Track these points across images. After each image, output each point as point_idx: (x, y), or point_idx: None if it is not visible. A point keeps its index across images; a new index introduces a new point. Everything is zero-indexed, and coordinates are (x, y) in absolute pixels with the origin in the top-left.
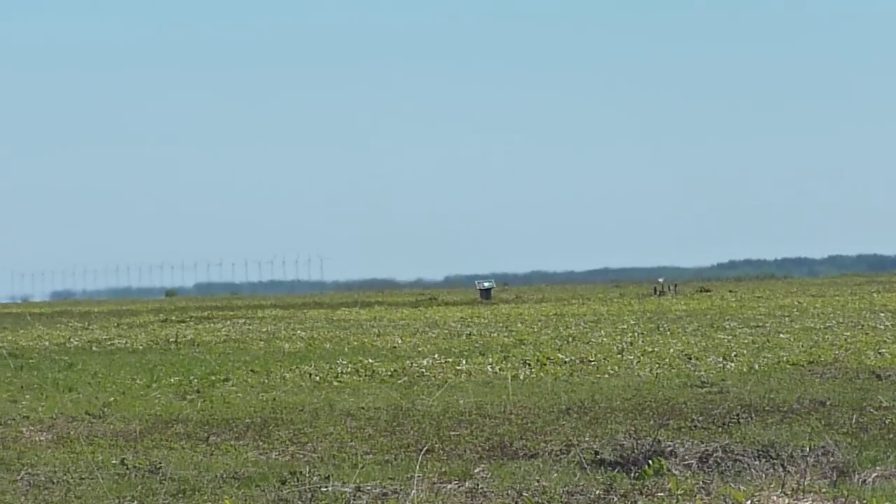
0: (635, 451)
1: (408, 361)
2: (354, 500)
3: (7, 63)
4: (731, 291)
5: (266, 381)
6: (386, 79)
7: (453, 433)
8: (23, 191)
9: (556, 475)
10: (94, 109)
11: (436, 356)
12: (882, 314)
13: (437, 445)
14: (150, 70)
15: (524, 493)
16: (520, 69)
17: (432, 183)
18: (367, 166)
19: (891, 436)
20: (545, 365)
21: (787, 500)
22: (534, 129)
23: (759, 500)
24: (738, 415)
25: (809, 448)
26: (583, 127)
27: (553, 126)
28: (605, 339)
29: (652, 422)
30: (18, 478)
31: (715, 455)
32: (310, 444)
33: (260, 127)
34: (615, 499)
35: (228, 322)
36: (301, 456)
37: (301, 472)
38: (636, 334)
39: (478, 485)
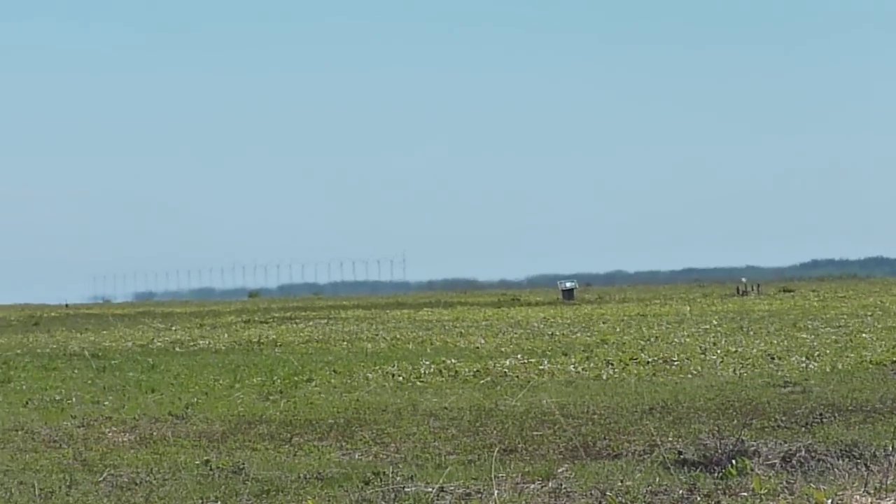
0: (718, 450)
1: (490, 362)
2: (437, 500)
3: (82, 68)
4: (813, 291)
5: (349, 381)
6: (465, 76)
7: (536, 433)
8: (104, 193)
9: (639, 475)
10: (175, 111)
11: (518, 356)
12: None
13: (519, 445)
14: (226, 73)
15: (607, 493)
16: (594, 68)
17: (515, 183)
18: (450, 167)
19: None
20: (628, 365)
21: (869, 500)
22: (617, 130)
23: (841, 500)
24: (820, 414)
25: (892, 447)
26: (666, 127)
27: (636, 125)
28: (687, 340)
29: (735, 421)
30: (101, 479)
31: (798, 455)
32: (393, 445)
33: (342, 127)
34: (698, 498)
35: (311, 322)
36: (384, 456)
37: (384, 472)
38: (719, 334)
39: (561, 485)
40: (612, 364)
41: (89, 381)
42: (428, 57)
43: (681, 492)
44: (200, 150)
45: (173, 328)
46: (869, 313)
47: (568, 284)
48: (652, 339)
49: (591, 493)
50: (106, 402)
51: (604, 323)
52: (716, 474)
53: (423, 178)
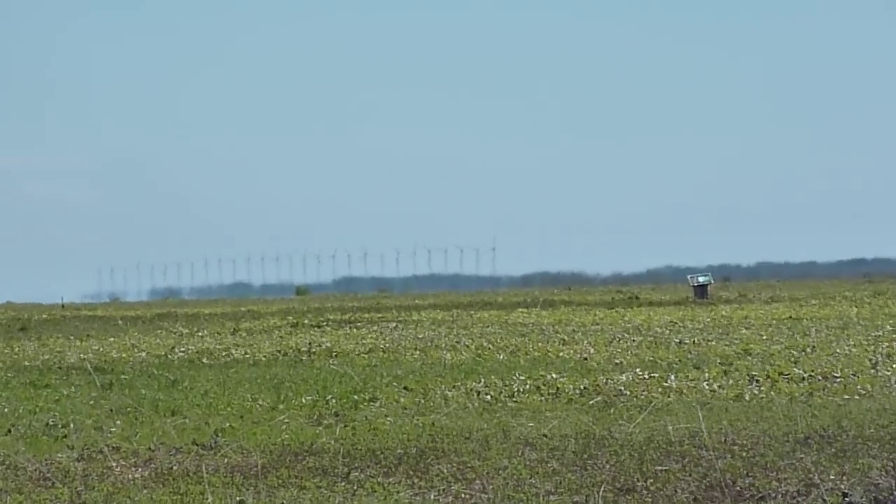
0: (894, 492)
1: (602, 377)
2: None
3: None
4: None
5: (423, 401)
6: (559, 53)
7: (660, 468)
8: (112, 165)
9: None
10: (209, 78)
11: (637, 370)
12: None
13: (638, 483)
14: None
15: None
16: (720, 43)
17: (630, 155)
18: (548, 138)
19: None
20: (777, 382)
21: None
22: (769, 95)
23: None
24: None
25: None
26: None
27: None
28: (854, 350)
29: None
30: None
31: None
32: (478, 482)
33: (414, 101)
34: None
35: (375, 327)
36: (467, 496)
37: None
38: (895, 344)
39: None
40: (758, 381)
41: (91, 402)
42: (510, 37)
43: None
44: (236, 119)
45: (200, 334)
46: None
47: (701, 279)
48: (808, 350)
49: None
50: (113, 429)
51: (746, 328)
52: None
53: (512, 151)
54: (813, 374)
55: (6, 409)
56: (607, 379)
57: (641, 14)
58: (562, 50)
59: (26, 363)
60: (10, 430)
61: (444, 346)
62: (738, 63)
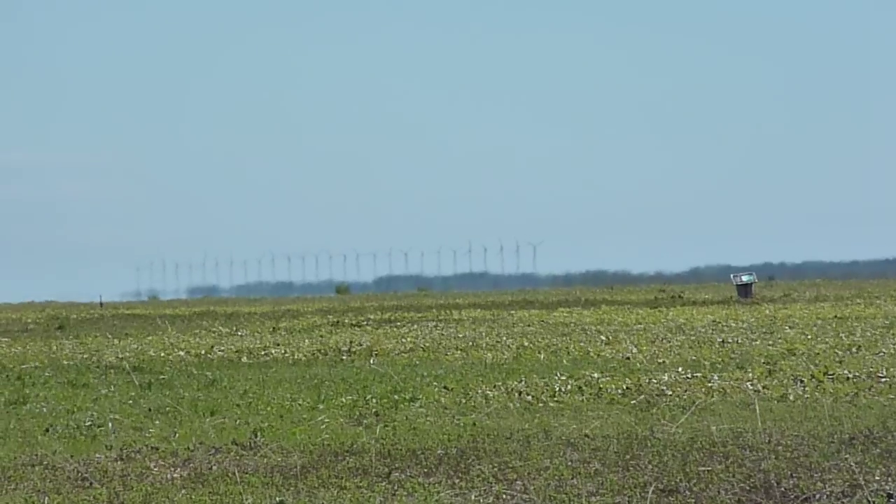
0: None
1: (645, 376)
2: None
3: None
4: None
5: (464, 400)
6: (604, 57)
7: (703, 469)
8: (150, 162)
9: None
10: (248, 93)
11: (680, 370)
12: None
13: (682, 484)
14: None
15: None
16: (741, 44)
17: (673, 151)
18: (591, 136)
19: None
20: (822, 382)
21: None
22: (810, 93)
23: None
24: None
25: None
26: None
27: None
28: None
29: None
30: None
31: None
32: (519, 482)
33: (460, 94)
34: None
35: (416, 326)
36: (508, 497)
37: None
38: None
39: None
40: (802, 381)
41: (130, 402)
42: (556, 38)
43: None
44: (274, 117)
45: (239, 333)
46: None
47: (744, 278)
48: (854, 349)
49: None
50: (151, 429)
51: (791, 328)
52: None
53: (556, 148)
54: (858, 373)
55: (44, 409)
56: (650, 379)
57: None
58: (602, 53)
59: (64, 362)
60: (48, 430)
61: (484, 345)
62: (783, 54)
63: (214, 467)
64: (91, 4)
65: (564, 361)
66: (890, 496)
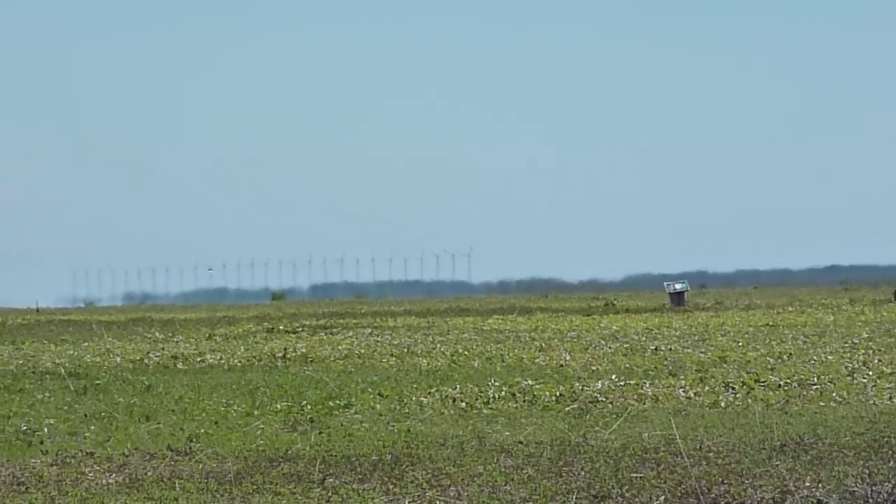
0: (870, 500)
1: (578, 383)
2: None
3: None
4: None
5: (398, 407)
6: (551, 57)
7: (636, 475)
8: (86, 166)
9: None
10: (189, 76)
11: (614, 377)
12: None
13: (614, 490)
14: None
15: None
16: (683, 50)
17: (605, 160)
18: (526, 145)
19: None
20: (753, 389)
21: None
22: (740, 102)
23: None
24: None
25: None
26: (797, 94)
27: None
28: (830, 358)
29: (892, 463)
30: None
31: None
32: (453, 488)
33: (398, 102)
34: None
35: (351, 333)
36: (442, 503)
37: None
38: (871, 351)
39: None
40: (734, 388)
41: (65, 407)
42: (495, 42)
43: None
44: (217, 129)
45: (175, 339)
46: None
47: (677, 286)
48: (784, 357)
49: None
50: (87, 434)
51: (723, 335)
52: None
53: (486, 155)
54: (789, 381)
55: None
56: (583, 386)
57: (620, 19)
58: (541, 57)
59: (0, 368)
60: None
61: (419, 352)
62: (724, 71)
63: (150, 473)
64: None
65: (498, 368)
66: (820, 502)
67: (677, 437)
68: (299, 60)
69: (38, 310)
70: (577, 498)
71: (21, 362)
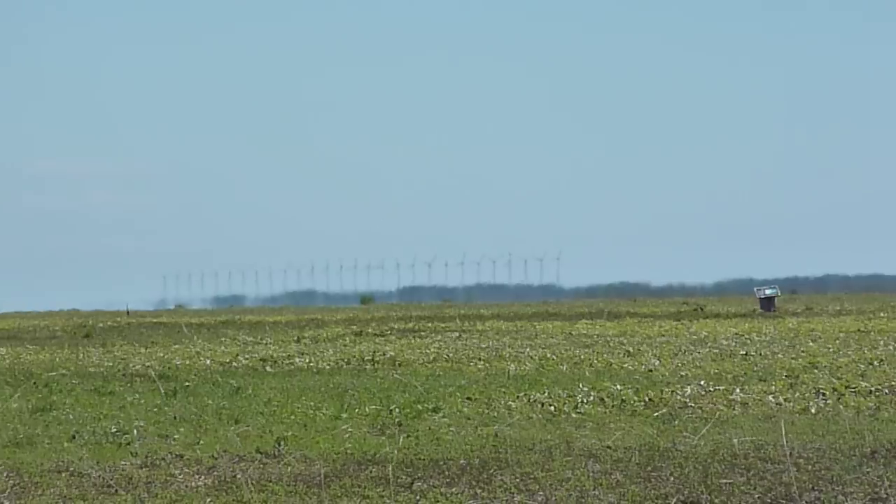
0: None
1: (667, 389)
2: None
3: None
4: None
5: (486, 411)
6: (627, 68)
7: (724, 481)
8: (177, 171)
9: None
10: (272, 87)
11: (703, 382)
12: None
13: (703, 496)
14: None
15: None
16: (776, 56)
17: (695, 168)
18: (618, 149)
19: None
20: (844, 395)
21: None
22: (831, 108)
23: None
24: None
25: None
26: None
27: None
28: None
29: None
30: None
31: None
32: (541, 493)
33: (477, 108)
34: None
35: (439, 336)
36: None
37: None
38: None
39: None
40: (824, 394)
41: (155, 409)
42: (580, 53)
43: None
44: (310, 137)
45: (264, 342)
46: None
47: (767, 291)
48: (875, 363)
49: None
50: (176, 436)
51: (813, 341)
52: None
53: (583, 167)
54: (880, 387)
55: (70, 416)
56: (672, 391)
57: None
58: (627, 62)
59: (91, 370)
60: (74, 437)
61: (507, 356)
62: (801, 69)
63: (239, 475)
64: (121, 15)
65: (587, 373)
66: None
67: (766, 443)
68: (395, 68)
69: (128, 313)
70: (665, 503)
71: (111, 365)
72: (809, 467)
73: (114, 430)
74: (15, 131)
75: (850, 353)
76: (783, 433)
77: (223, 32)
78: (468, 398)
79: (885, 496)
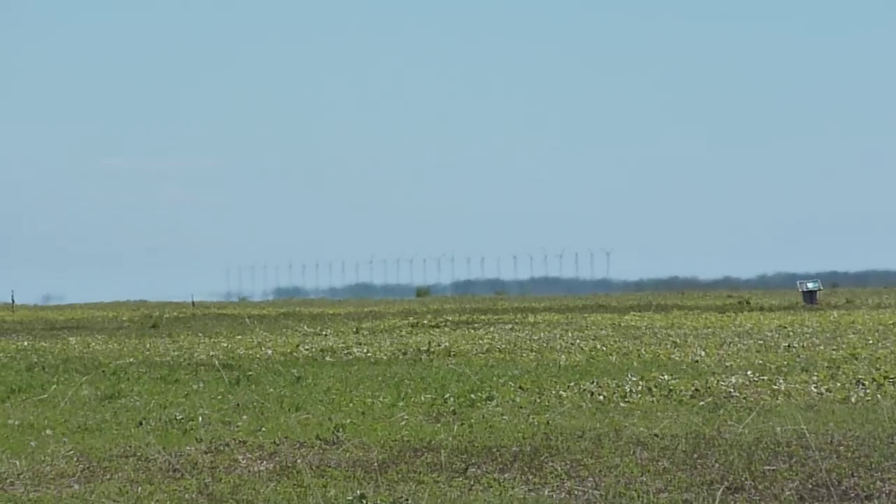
0: None
1: (713, 379)
2: None
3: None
4: None
5: (538, 400)
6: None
7: (768, 468)
8: (239, 168)
9: None
10: (337, 97)
11: (748, 373)
12: None
13: (747, 482)
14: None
15: None
16: (806, 53)
17: (741, 163)
18: (663, 145)
19: None
20: (883, 385)
21: None
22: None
23: None
24: None
25: None
26: None
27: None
28: None
29: None
30: None
31: None
32: (590, 479)
33: (533, 103)
34: None
35: (492, 328)
36: (579, 493)
37: None
38: None
39: None
40: (864, 384)
41: (219, 397)
42: (631, 52)
43: None
44: (365, 127)
45: (324, 333)
46: None
47: (810, 285)
48: None
49: None
50: (239, 423)
51: (854, 333)
52: None
53: (626, 158)
54: None
55: (138, 403)
56: (718, 381)
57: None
58: (670, 52)
59: (157, 359)
60: (141, 423)
61: (558, 347)
62: (845, 66)
63: (300, 461)
64: (188, 14)
65: (635, 364)
66: None
67: (808, 431)
68: (444, 66)
69: (193, 304)
70: (711, 489)
71: (177, 354)
72: (849, 454)
73: (179, 416)
74: (86, 130)
75: (888, 344)
76: (824, 422)
77: (288, 33)
78: (520, 387)
79: None
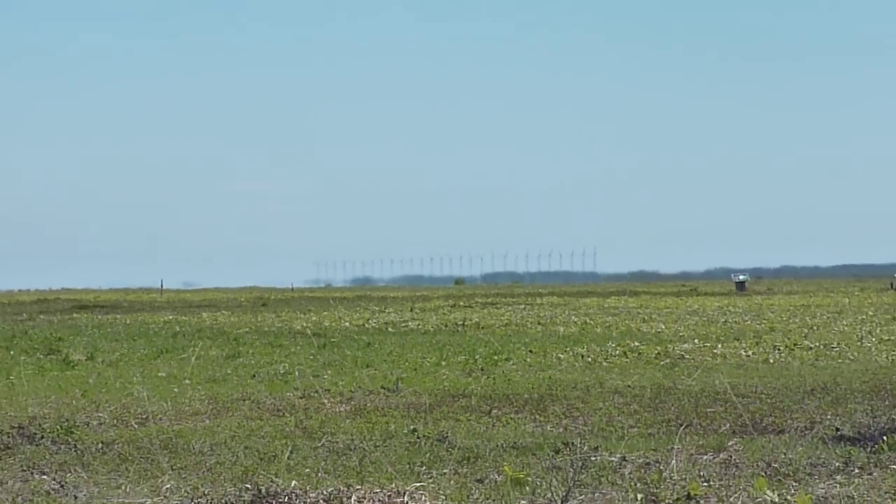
0: (872, 428)
1: (670, 345)
2: (620, 468)
3: (310, 63)
4: None
5: (543, 360)
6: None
7: (710, 410)
8: (327, 186)
9: (801, 449)
10: (400, 102)
11: (695, 341)
12: None
13: (695, 421)
14: (447, 74)
15: (772, 465)
16: (764, 69)
17: (695, 182)
18: (640, 164)
19: None
20: (793, 350)
21: None
22: (787, 131)
23: None
24: None
25: None
26: (831, 126)
27: (805, 126)
28: (846, 328)
29: (888, 402)
30: (320, 444)
31: None
32: (581, 418)
33: (543, 126)
34: (854, 470)
35: (510, 308)
36: (573, 428)
37: (573, 442)
38: (874, 324)
39: (731, 457)
40: (779, 349)
41: (311, 357)
42: (620, 65)
43: (837, 464)
44: (418, 146)
45: (387, 311)
46: None
47: (741, 277)
48: (815, 328)
49: (757, 465)
50: (325, 376)
51: (772, 312)
52: (869, 449)
53: (612, 178)
54: (818, 344)
55: (252, 361)
56: (674, 347)
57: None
58: (627, 74)
59: (265, 329)
60: (254, 376)
61: (558, 322)
62: (766, 82)
63: (369, 404)
64: (277, 36)
65: (614, 334)
66: (837, 430)
67: (738, 384)
68: (491, 69)
69: (292, 289)
70: (668, 426)
71: (280, 325)
72: (768, 401)
73: (282, 371)
74: (219, 155)
75: (797, 321)
76: (749, 376)
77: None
78: (530, 351)
79: (818, 420)
